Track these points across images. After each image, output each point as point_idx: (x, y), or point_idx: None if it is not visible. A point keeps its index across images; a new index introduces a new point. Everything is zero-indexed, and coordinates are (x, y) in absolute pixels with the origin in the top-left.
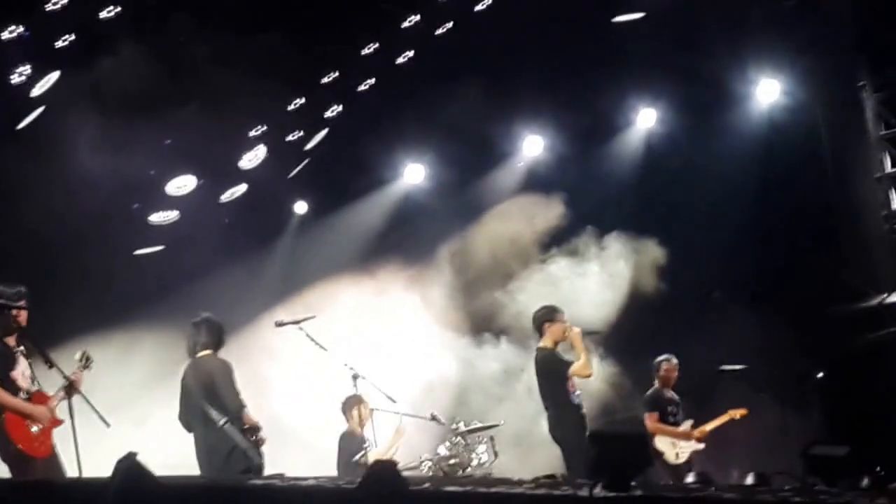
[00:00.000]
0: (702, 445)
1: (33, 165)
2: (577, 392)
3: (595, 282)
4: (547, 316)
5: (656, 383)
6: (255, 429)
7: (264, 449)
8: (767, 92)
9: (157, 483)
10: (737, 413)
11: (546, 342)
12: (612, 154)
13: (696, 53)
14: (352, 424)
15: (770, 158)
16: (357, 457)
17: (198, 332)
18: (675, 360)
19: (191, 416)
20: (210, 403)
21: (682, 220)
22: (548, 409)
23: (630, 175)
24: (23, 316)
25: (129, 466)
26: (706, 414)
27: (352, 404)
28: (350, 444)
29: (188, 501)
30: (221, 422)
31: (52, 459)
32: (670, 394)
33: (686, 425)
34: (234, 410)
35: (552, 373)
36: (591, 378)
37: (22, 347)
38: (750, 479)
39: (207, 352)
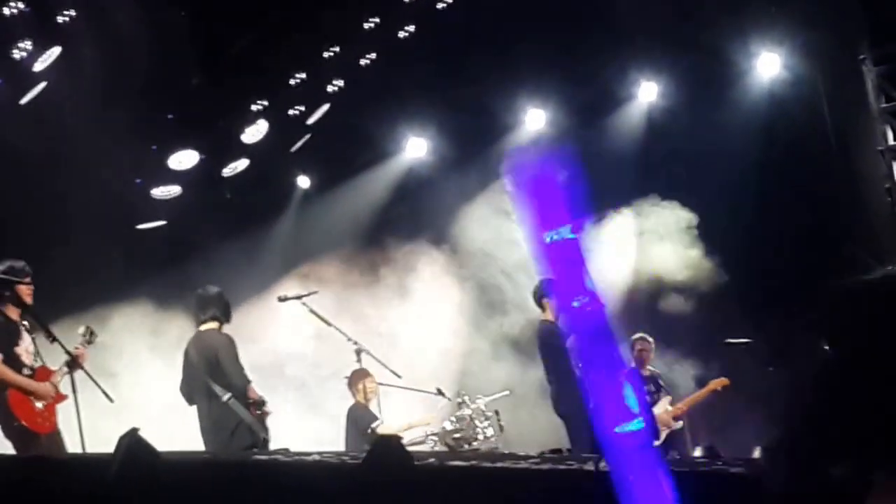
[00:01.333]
0: (679, 424)
1: (35, 141)
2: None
3: (600, 254)
4: (545, 290)
5: (632, 362)
6: (260, 403)
7: (269, 423)
8: (768, 65)
9: (160, 458)
10: (718, 384)
11: (547, 316)
12: (614, 127)
13: (697, 27)
14: (357, 398)
15: (771, 132)
16: (373, 425)
17: (203, 305)
18: (649, 339)
19: (193, 390)
20: (213, 378)
21: (683, 193)
22: (551, 383)
23: (632, 148)
24: (28, 292)
25: (132, 442)
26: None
27: (358, 378)
28: (358, 415)
29: (192, 477)
30: (225, 397)
31: (56, 436)
32: (647, 372)
33: (664, 402)
34: (239, 385)
35: (554, 346)
36: None
37: (25, 322)
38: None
39: (213, 325)
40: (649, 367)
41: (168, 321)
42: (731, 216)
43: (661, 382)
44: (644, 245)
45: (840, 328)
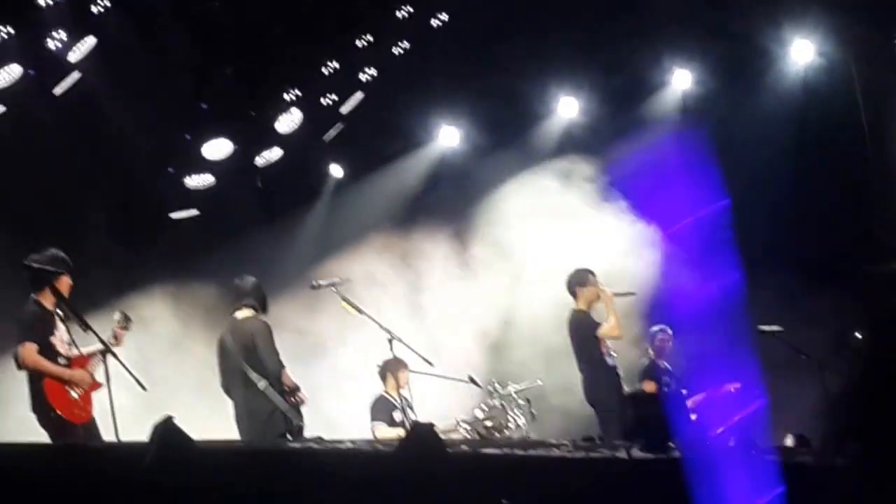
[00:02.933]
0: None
1: (70, 130)
2: (613, 354)
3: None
4: (579, 279)
5: (651, 353)
6: (294, 390)
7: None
8: (802, 52)
9: (195, 447)
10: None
11: (580, 305)
12: (647, 115)
13: (730, 13)
14: (387, 387)
15: (805, 119)
16: (394, 415)
17: (240, 295)
18: (669, 331)
19: (229, 378)
20: (249, 365)
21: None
22: (582, 371)
23: (665, 137)
24: (64, 282)
25: (166, 430)
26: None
27: (389, 367)
28: (378, 408)
29: (225, 465)
30: (261, 384)
31: (92, 425)
32: (665, 364)
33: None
34: (274, 372)
35: (585, 335)
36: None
37: (59, 312)
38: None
39: (249, 312)
40: (663, 360)
41: (201, 310)
42: (764, 203)
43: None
44: None
45: (878, 313)
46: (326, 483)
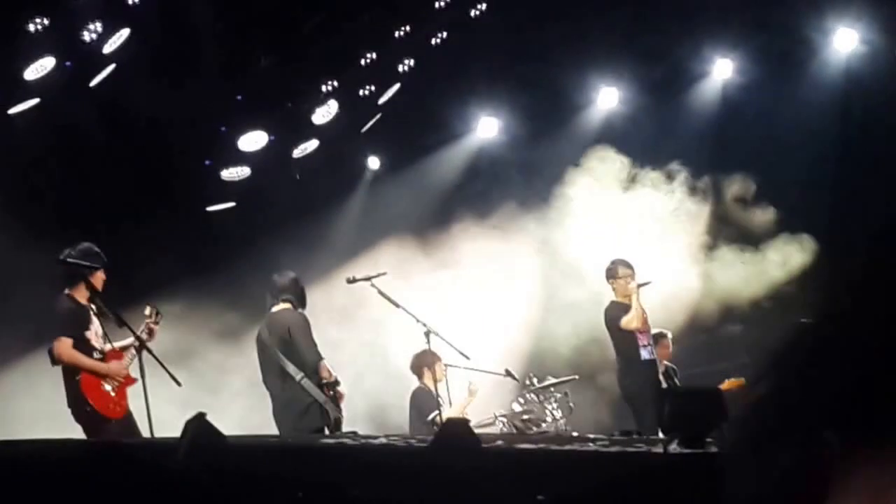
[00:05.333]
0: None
1: (105, 123)
2: (648, 346)
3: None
4: (612, 272)
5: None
6: (333, 383)
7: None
8: (845, 41)
9: (227, 443)
10: (733, 383)
11: (616, 296)
12: (688, 105)
13: (773, 2)
14: (424, 381)
15: (848, 108)
16: (431, 416)
17: (278, 290)
18: (669, 335)
19: (267, 372)
20: (287, 357)
21: (759, 172)
22: (618, 363)
23: (706, 126)
24: (98, 277)
25: (199, 426)
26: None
27: (425, 361)
28: (422, 401)
29: (258, 460)
30: (298, 377)
31: (127, 420)
32: (665, 367)
33: None
34: (312, 364)
35: (616, 326)
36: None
37: (93, 306)
38: None
39: (286, 306)
40: (666, 362)
41: (238, 304)
42: (807, 194)
43: (677, 377)
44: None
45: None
46: (361, 479)
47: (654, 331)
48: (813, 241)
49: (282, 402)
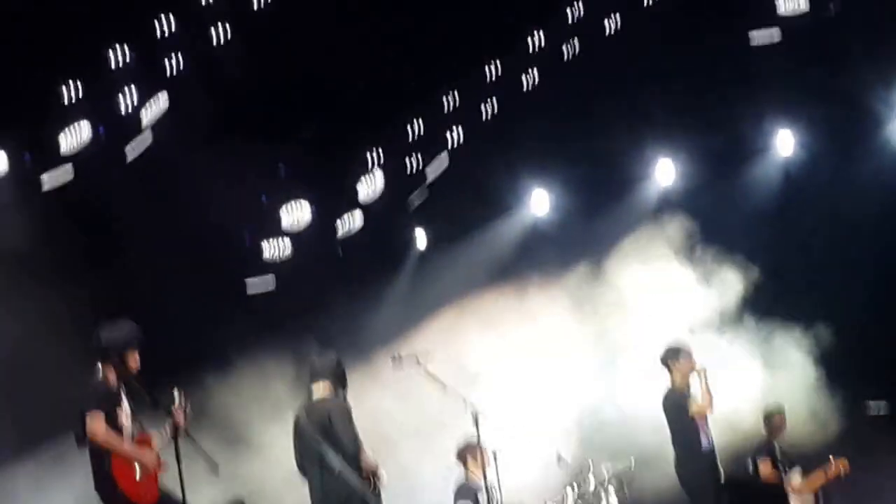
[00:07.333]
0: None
1: (142, 193)
2: (710, 435)
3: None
4: (672, 354)
5: (764, 433)
6: (374, 472)
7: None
8: None
9: None
10: (839, 464)
11: (674, 380)
12: (748, 179)
13: (836, 73)
14: (469, 468)
15: None
16: None
17: (318, 372)
18: (784, 410)
19: (305, 459)
20: (327, 445)
21: (822, 249)
22: (676, 452)
23: (768, 201)
24: (135, 358)
25: None
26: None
27: (470, 449)
28: (463, 494)
29: None
30: (337, 466)
31: None
32: (780, 444)
33: (795, 475)
34: (352, 452)
35: (677, 413)
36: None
37: (126, 386)
38: None
39: (326, 390)
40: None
41: (276, 385)
42: (869, 273)
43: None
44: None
45: None
46: None
47: (771, 405)
48: None
49: (320, 491)
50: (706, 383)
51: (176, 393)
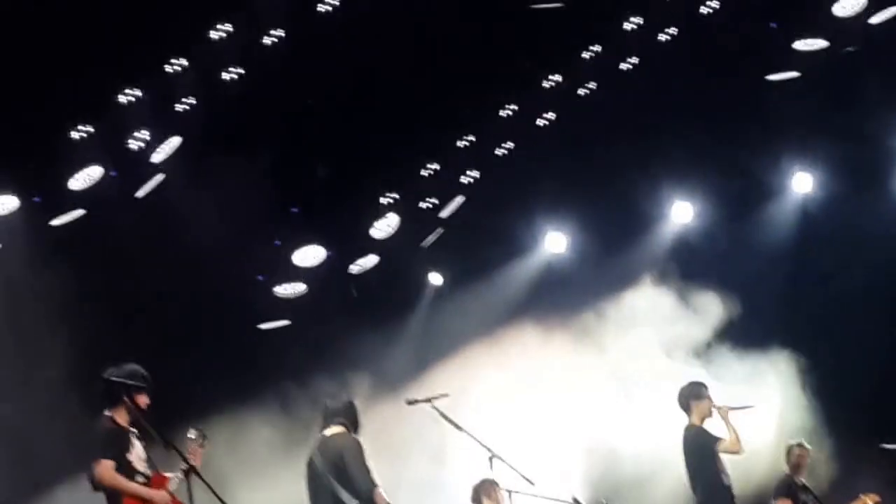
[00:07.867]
0: None
1: (153, 235)
2: (728, 472)
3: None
4: (692, 393)
5: (787, 469)
6: None
7: None
8: None
9: None
10: (868, 499)
11: (694, 420)
12: (765, 221)
13: (855, 114)
14: None
15: None
16: None
17: (331, 414)
18: (807, 445)
19: (318, 499)
20: (339, 484)
21: (842, 292)
22: (695, 490)
23: (785, 243)
24: (142, 399)
25: None
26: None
27: (485, 490)
28: None
29: None
30: None
31: None
32: (802, 481)
33: None
34: (365, 492)
35: (701, 451)
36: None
37: (134, 429)
38: None
39: (339, 430)
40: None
41: (292, 428)
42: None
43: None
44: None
45: None
46: None
47: (793, 441)
48: None
49: None
50: (731, 422)
51: (194, 433)
